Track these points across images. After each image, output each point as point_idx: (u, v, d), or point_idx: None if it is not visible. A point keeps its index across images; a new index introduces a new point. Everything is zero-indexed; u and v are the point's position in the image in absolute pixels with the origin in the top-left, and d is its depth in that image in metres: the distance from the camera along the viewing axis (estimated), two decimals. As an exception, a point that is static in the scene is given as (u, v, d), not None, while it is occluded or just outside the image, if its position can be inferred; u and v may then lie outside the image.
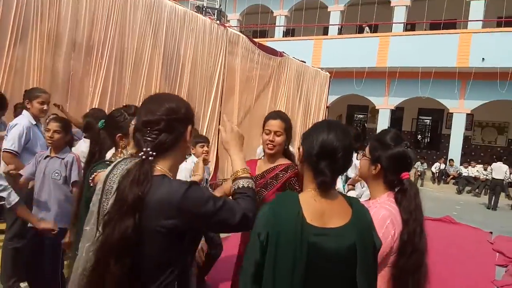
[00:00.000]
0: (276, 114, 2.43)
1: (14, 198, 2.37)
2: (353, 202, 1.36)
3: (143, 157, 1.20)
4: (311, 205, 1.28)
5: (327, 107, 13.71)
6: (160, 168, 1.24)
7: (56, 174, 2.84)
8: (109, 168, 1.32)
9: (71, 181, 2.88)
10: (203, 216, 1.18)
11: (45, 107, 3.49)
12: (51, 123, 2.90)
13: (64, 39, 5.19)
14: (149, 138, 1.23)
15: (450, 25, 14.89)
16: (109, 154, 2.01)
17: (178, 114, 1.26)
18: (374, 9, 15.16)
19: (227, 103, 8.80)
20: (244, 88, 9.40)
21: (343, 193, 1.42)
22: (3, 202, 2.34)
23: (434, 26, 15.78)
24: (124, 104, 5.56)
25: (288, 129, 2.36)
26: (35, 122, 3.43)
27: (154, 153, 1.21)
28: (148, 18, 6.41)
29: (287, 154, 2.42)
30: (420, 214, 1.60)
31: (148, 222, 1.14)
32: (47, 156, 2.93)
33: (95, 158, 2.01)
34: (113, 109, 2.16)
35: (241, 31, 18.80)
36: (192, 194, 1.17)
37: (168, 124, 1.23)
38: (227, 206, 1.22)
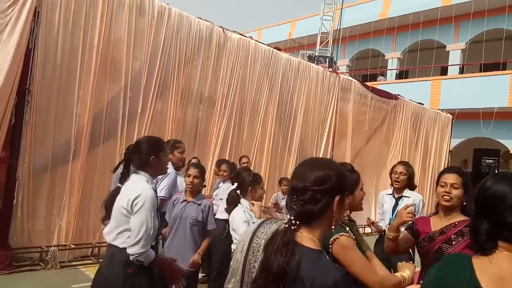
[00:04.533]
0: (452, 169, 2.38)
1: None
2: None
3: (287, 225, 1.19)
4: (486, 268, 1.10)
5: (450, 151, 12.55)
6: (311, 237, 1.20)
7: (193, 220, 2.95)
8: (254, 226, 1.36)
9: (207, 229, 2.94)
10: None
11: (183, 156, 3.88)
12: (191, 169, 3.11)
13: (194, 94, 5.87)
14: (294, 206, 1.21)
15: None
16: None
17: (325, 185, 1.20)
18: (501, 46, 13.77)
19: (338, 146, 8.74)
20: (356, 132, 9.24)
21: None
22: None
23: None
24: (243, 155, 5.88)
25: (466, 185, 2.25)
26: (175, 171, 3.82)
27: (297, 222, 1.18)
28: (265, 70, 6.89)
29: (465, 211, 2.28)
30: None
31: None
32: (184, 200, 3.09)
33: None
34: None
35: (351, 76, 18.87)
36: (344, 284, 1.12)
37: (314, 195, 1.19)
38: None
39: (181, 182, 4.17)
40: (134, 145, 2.43)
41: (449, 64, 15.96)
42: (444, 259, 1.21)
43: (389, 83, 15.93)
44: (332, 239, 1.71)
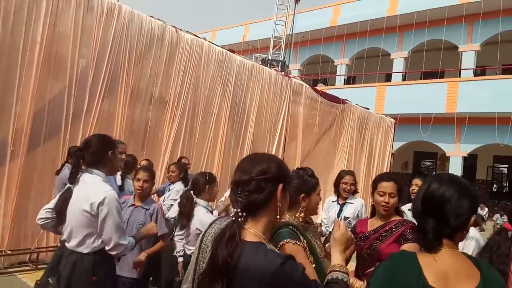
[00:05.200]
0: (389, 177, 2.53)
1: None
2: (481, 264, 1.22)
3: (233, 218, 1.22)
4: (432, 266, 1.18)
5: (392, 153, 13.27)
6: (255, 231, 1.23)
7: (141, 225, 2.81)
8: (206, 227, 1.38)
9: (159, 234, 2.79)
10: None
11: (123, 156, 3.73)
12: (141, 173, 2.97)
13: (144, 93, 5.73)
14: (239, 199, 1.24)
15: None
16: None
17: (268, 174, 1.25)
18: (440, 55, 14.83)
19: (289, 148, 8.95)
20: (306, 134, 9.51)
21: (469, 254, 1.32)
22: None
23: (508, 71, 14.98)
24: (182, 156, 5.84)
25: (400, 190, 2.46)
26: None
27: (244, 214, 1.21)
28: (218, 72, 6.88)
29: (398, 211, 2.52)
30: None
31: None
32: (132, 205, 2.95)
33: None
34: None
35: (302, 81, 19.32)
36: (287, 270, 1.13)
37: (258, 184, 1.23)
38: None
39: (127, 184, 4.04)
40: (84, 142, 2.33)
41: (393, 71, 16.90)
42: (392, 257, 1.29)
43: (337, 88, 16.55)
44: (279, 245, 1.73)
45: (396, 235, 2.33)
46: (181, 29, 6.24)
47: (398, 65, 16.78)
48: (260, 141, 8.10)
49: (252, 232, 1.22)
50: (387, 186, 2.42)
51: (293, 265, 1.17)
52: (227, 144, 7.24)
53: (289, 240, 1.72)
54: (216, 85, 6.88)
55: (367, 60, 16.94)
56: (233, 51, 7.38)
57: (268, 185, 1.25)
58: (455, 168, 14.78)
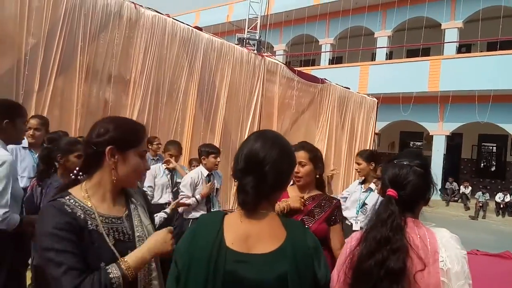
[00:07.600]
0: (300, 146, 2.39)
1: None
2: (288, 224, 1.16)
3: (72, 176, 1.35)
4: (235, 227, 1.12)
5: (376, 133, 13.22)
6: (82, 186, 1.31)
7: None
8: None
9: None
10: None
11: (31, 132, 3.38)
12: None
13: (101, 72, 5.57)
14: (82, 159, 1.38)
15: (506, 44, 13.94)
16: None
17: (99, 138, 1.30)
18: (422, 33, 14.63)
19: (264, 129, 8.84)
20: (282, 114, 9.41)
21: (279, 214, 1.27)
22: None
23: (491, 47, 14.84)
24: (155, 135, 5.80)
25: (313, 159, 2.33)
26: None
27: (80, 173, 1.34)
28: (184, 50, 6.70)
29: (319, 184, 2.42)
30: None
31: None
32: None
33: None
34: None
35: (288, 61, 19.02)
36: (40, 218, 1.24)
37: (88, 146, 1.32)
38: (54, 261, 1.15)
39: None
40: None
41: (375, 47, 16.69)
42: (199, 218, 1.23)
43: (321, 69, 16.37)
44: None
45: (328, 213, 2.26)
46: (141, 5, 6.04)
47: (382, 44, 16.58)
48: (232, 121, 7.99)
49: (81, 186, 1.31)
50: (297, 156, 2.32)
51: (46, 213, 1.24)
52: (196, 125, 7.11)
53: None
54: (182, 64, 6.72)
55: (352, 40, 16.71)
56: (200, 29, 7.19)
57: (98, 147, 1.30)
58: (439, 147, 14.80)
